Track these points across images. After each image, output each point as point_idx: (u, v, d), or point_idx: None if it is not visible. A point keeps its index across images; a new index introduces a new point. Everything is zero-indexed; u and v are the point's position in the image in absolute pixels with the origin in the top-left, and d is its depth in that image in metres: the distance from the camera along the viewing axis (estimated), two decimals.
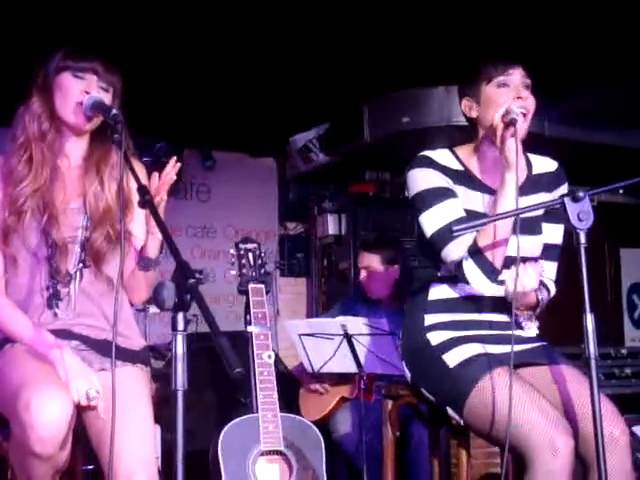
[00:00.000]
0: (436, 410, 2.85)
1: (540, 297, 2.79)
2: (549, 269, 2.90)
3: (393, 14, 4.54)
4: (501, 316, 2.83)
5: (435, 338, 2.79)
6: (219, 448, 3.14)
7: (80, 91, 2.60)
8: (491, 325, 2.82)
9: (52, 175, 2.65)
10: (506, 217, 2.61)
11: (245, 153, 6.89)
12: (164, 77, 5.17)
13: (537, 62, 4.85)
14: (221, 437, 3.16)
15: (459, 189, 2.80)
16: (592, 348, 2.33)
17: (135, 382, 2.59)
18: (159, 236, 2.53)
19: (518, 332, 2.83)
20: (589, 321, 2.34)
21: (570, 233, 2.40)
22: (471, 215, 2.74)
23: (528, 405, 2.54)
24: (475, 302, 2.78)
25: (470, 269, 2.69)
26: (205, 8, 4.43)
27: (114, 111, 2.48)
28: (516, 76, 2.78)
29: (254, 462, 3.15)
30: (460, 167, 2.84)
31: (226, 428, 3.20)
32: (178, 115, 5.81)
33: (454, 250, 2.71)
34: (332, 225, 6.78)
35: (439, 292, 2.85)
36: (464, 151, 2.88)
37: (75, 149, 2.72)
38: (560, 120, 5.49)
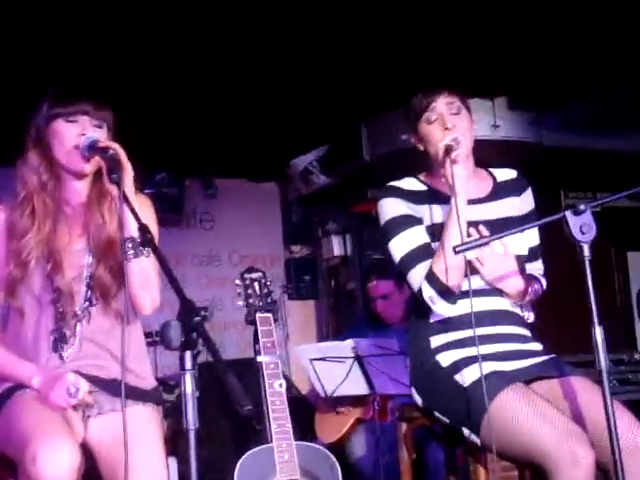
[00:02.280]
0: (451, 431, 2.83)
1: (529, 286, 2.83)
2: (536, 267, 2.98)
3: (386, 35, 4.56)
4: (509, 328, 2.83)
5: (445, 359, 2.78)
6: None
7: (75, 135, 2.59)
8: (499, 338, 2.80)
9: (56, 222, 2.65)
10: (512, 234, 2.66)
11: (246, 179, 6.90)
12: (161, 109, 5.19)
13: (532, 74, 4.91)
14: (237, 469, 3.15)
15: (426, 208, 2.87)
16: (603, 361, 2.33)
17: (146, 421, 2.57)
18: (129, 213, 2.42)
19: (526, 346, 2.83)
20: (598, 334, 2.34)
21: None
22: (438, 228, 2.79)
23: (545, 419, 2.52)
24: (479, 317, 2.78)
25: (427, 293, 2.76)
26: (201, 34, 4.44)
27: (110, 151, 2.49)
28: (439, 106, 2.84)
29: None
30: (424, 187, 2.92)
31: (242, 459, 3.20)
32: (177, 145, 5.82)
33: (416, 276, 2.80)
34: (337, 246, 6.77)
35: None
36: (426, 175, 2.95)
37: (77, 193, 2.69)
38: (557, 128, 5.50)
